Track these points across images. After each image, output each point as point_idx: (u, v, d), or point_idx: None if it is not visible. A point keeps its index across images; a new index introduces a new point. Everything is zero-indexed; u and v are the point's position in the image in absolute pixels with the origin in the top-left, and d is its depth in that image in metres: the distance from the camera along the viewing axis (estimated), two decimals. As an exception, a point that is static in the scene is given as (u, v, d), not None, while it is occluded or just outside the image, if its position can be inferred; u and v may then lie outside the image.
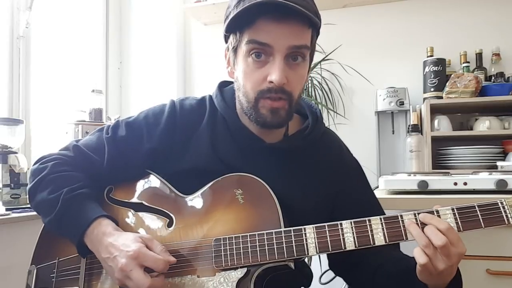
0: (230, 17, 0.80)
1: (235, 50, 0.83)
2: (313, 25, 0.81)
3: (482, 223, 0.70)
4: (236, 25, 0.81)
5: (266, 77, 0.78)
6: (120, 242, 0.74)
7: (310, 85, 2.24)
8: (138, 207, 0.82)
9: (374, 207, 0.92)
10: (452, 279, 0.72)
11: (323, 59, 2.22)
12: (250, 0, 0.76)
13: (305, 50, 0.81)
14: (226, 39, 0.87)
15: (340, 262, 0.94)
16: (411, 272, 0.73)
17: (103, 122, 1.87)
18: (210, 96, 0.95)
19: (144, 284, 0.70)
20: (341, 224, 0.73)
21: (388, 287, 0.83)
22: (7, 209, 1.39)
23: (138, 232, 0.83)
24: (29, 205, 1.45)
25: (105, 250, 0.76)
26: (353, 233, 0.72)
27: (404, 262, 0.77)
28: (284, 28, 0.77)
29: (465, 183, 1.19)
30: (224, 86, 0.96)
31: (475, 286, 1.19)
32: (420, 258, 0.68)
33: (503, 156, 1.86)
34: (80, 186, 0.83)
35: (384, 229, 0.71)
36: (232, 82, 0.96)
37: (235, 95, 0.89)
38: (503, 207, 0.70)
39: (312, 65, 2.45)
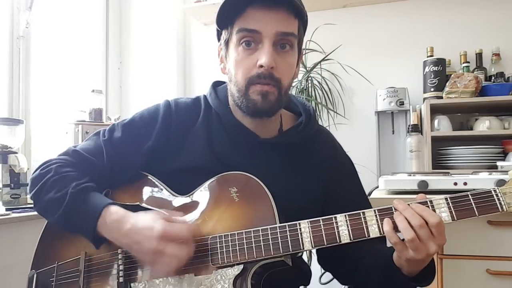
0: (220, 7, 0.83)
1: (227, 43, 0.87)
2: (300, 15, 0.85)
3: (476, 211, 0.70)
4: (227, 17, 0.84)
5: (256, 63, 0.81)
6: (140, 225, 0.75)
7: (310, 85, 2.24)
8: (135, 209, 0.82)
9: (363, 205, 0.93)
10: (425, 267, 0.74)
11: (323, 59, 2.21)
12: None
13: (292, 38, 0.84)
14: (219, 36, 0.90)
15: (327, 256, 0.95)
16: (389, 261, 0.75)
17: (103, 122, 1.87)
18: (205, 96, 0.97)
19: (183, 255, 0.72)
20: (335, 218, 0.74)
21: (367, 278, 0.85)
22: (7, 209, 1.39)
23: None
24: (29, 205, 1.45)
25: (126, 237, 0.76)
26: (347, 226, 0.73)
27: (382, 253, 0.79)
28: (272, 15, 0.82)
29: (465, 183, 1.19)
30: (218, 85, 0.98)
31: (475, 286, 1.19)
32: (407, 234, 0.68)
33: (503, 156, 1.86)
34: (86, 181, 0.83)
35: (378, 220, 0.72)
36: (225, 82, 0.97)
37: (228, 90, 0.91)
38: (497, 195, 0.70)
39: (312, 65, 2.45)
